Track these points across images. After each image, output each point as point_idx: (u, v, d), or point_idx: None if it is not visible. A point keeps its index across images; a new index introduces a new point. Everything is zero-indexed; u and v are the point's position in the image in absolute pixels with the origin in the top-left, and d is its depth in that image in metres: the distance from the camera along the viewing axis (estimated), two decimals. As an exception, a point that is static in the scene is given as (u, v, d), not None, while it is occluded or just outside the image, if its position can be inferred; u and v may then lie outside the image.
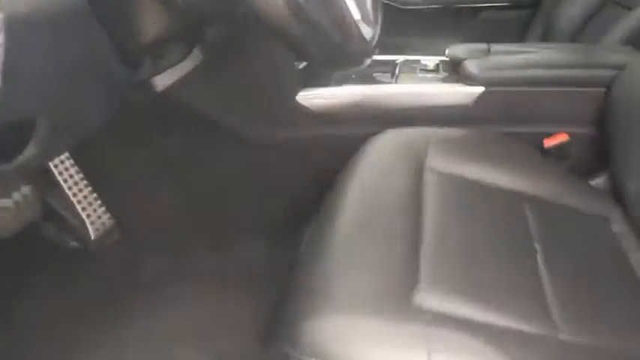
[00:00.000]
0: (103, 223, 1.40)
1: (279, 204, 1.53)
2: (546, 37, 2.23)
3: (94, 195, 1.41)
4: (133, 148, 1.47)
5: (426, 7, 2.40)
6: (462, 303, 0.86)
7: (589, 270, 1.05)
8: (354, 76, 1.48)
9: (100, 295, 1.37)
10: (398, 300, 0.85)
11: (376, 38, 1.09)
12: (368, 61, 1.12)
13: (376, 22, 1.11)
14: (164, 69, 1.13)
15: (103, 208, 1.41)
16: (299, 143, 1.48)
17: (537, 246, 1.05)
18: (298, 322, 0.82)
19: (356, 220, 1.01)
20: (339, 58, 1.05)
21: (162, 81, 1.14)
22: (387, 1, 2.39)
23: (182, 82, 1.18)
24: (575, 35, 1.98)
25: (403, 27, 2.42)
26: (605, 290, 1.01)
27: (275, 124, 1.47)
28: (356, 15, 1.04)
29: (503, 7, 2.40)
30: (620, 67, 1.31)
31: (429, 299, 0.86)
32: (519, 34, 2.43)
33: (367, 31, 1.03)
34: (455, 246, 0.99)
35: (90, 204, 1.40)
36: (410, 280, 0.88)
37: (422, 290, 0.87)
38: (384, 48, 1.92)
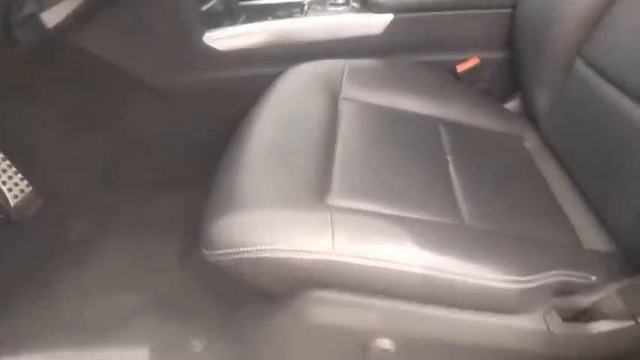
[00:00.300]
0: (22, 191, 1.35)
1: (195, 151, 1.47)
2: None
3: (7, 162, 1.35)
4: (41, 106, 1.39)
5: None
6: (374, 203, 0.85)
7: (499, 176, 1.07)
8: (270, 17, 1.44)
9: (29, 258, 1.32)
10: (310, 199, 0.83)
11: None
12: None
13: None
14: (51, 4, 1.06)
15: (20, 176, 1.36)
16: (210, 87, 1.43)
17: (449, 157, 1.06)
18: (210, 224, 0.80)
19: (270, 140, 0.99)
20: None
21: (52, 18, 1.07)
22: None
23: (76, 21, 1.13)
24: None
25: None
26: (513, 191, 1.03)
27: (183, 68, 1.41)
28: None
29: None
30: None
31: (340, 201, 0.84)
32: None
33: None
34: (368, 161, 0.99)
35: (4, 171, 1.34)
36: (322, 187, 0.87)
37: (334, 195, 0.86)
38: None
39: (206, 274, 1.12)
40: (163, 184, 1.50)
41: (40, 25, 1.05)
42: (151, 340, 1.12)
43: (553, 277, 0.76)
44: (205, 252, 0.79)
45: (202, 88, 1.44)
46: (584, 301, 0.77)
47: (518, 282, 0.75)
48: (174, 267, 1.27)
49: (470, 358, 0.84)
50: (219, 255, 0.77)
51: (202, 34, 1.37)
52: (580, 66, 1.10)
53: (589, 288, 0.78)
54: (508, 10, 1.34)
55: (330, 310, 0.79)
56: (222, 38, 1.38)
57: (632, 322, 0.75)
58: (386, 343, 0.81)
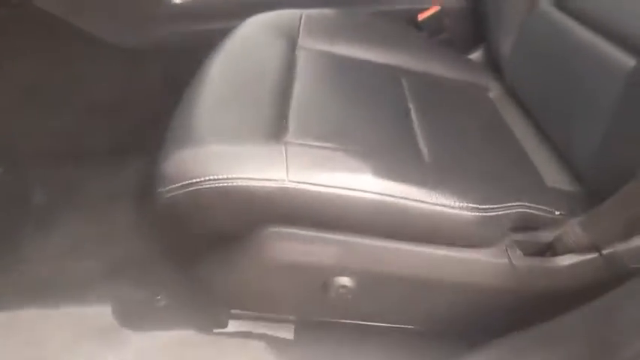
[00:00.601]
0: None
1: (158, 112, 1.42)
2: None
3: None
4: None
5: None
6: (331, 141, 0.81)
7: (462, 123, 1.04)
8: None
9: None
10: (265, 136, 0.80)
11: None
12: None
13: None
14: None
15: None
16: (169, 43, 1.39)
17: (411, 105, 1.02)
18: (164, 161, 0.77)
19: (227, 83, 0.96)
20: None
21: None
22: None
23: None
24: None
25: None
26: (477, 137, 1.00)
27: (141, 24, 1.37)
28: None
29: None
30: None
31: (296, 138, 0.80)
32: None
33: None
34: (326, 104, 0.95)
35: None
36: (278, 126, 0.83)
37: (290, 134, 0.81)
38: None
39: (160, 229, 1.13)
40: (126, 148, 1.45)
41: None
42: (115, 299, 1.10)
43: (515, 208, 0.75)
44: (160, 190, 0.75)
45: (163, 43, 1.39)
46: (547, 235, 0.76)
47: (477, 210, 0.72)
48: (133, 231, 1.25)
49: (431, 293, 0.83)
50: (175, 189, 0.73)
51: None
52: (545, 5, 1.08)
53: (551, 222, 0.77)
54: None
55: (288, 247, 0.77)
56: None
57: (595, 254, 0.74)
58: (345, 281, 0.78)
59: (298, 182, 0.71)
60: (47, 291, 1.14)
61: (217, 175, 0.71)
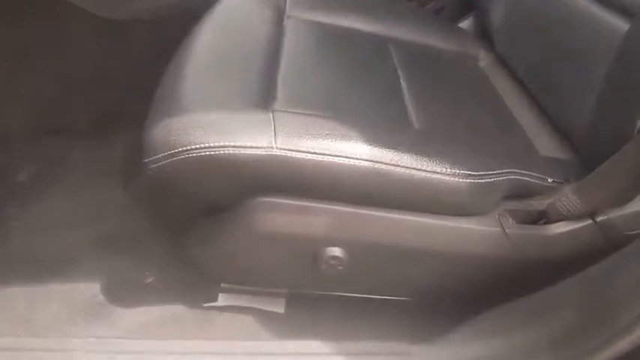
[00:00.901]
0: None
1: (146, 83, 1.42)
2: None
3: None
4: None
5: None
6: (320, 109, 0.80)
7: (453, 91, 1.04)
8: None
9: None
10: (253, 104, 0.79)
11: None
12: None
13: None
14: None
15: None
16: (157, 12, 1.34)
17: (400, 73, 1.01)
18: (150, 131, 0.75)
19: (214, 51, 0.95)
20: None
21: None
22: None
23: None
24: None
25: None
26: (468, 104, 1.00)
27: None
28: None
29: None
30: None
31: (284, 107, 0.79)
32: None
33: None
34: (315, 73, 0.96)
35: None
36: (266, 94, 0.82)
37: (278, 104, 0.80)
38: None
39: (146, 203, 1.10)
40: (112, 122, 1.43)
41: None
42: (100, 275, 1.08)
43: (507, 175, 0.74)
44: (146, 161, 0.73)
45: (148, 13, 1.35)
46: (540, 203, 0.76)
47: (469, 176, 0.71)
48: (123, 207, 1.22)
49: (422, 263, 0.82)
50: (161, 159, 0.71)
51: None
52: None
53: (545, 190, 0.77)
54: None
55: (278, 217, 0.76)
56: None
57: (589, 221, 0.74)
58: (336, 251, 0.77)
59: (286, 149, 0.69)
60: (35, 266, 1.13)
61: (204, 144, 0.69)
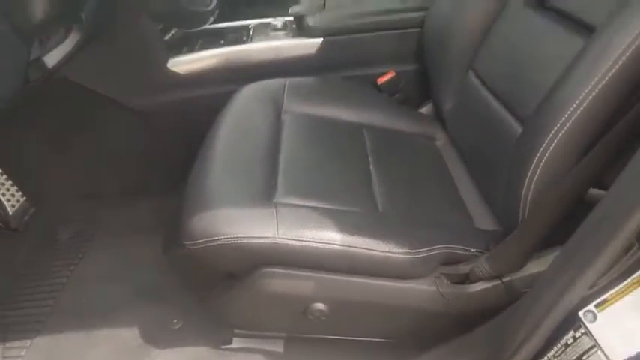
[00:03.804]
0: (18, 201, 1.46)
1: (163, 161, 1.58)
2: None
3: (5, 176, 1.46)
4: (33, 128, 1.49)
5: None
6: (309, 198, 1.00)
7: (412, 171, 1.20)
8: (222, 41, 1.54)
9: (27, 259, 1.45)
10: (259, 198, 0.98)
11: (215, 3, 1.17)
12: (211, 19, 1.20)
13: None
14: (50, 49, 1.19)
15: (15, 187, 1.47)
16: (174, 105, 1.52)
17: (370, 158, 1.19)
18: (188, 220, 0.94)
19: (229, 151, 1.12)
20: (187, 19, 1.13)
21: (52, 59, 1.20)
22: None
23: (67, 59, 1.24)
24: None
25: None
26: (423, 184, 1.16)
27: (151, 91, 1.50)
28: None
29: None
30: (426, 9, 1.43)
31: (283, 199, 1.00)
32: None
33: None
34: (304, 165, 1.12)
35: (2, 184, 1.45)
36: (269, 188, 1.02)
37: (278, 194, 1.01)
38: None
39: (179, 265, 1.31)
40: (137, 190, 1.60)
41: (44, 65, 1.18)
42: (138, 321, 1.24)
43: (439, 250, 0.91)
44: (186, 243, 0.93)
45: (168, 106, 1.53)
46: (465, 268, 0.92)
47: (411, 254, 0.89)
48: (151, 262, 1.38)
49: (384, 314, 0.99)
50: (196, 244, 0.91)
51: (166, 61, 1.47)
52: (471, 77, 1.23)
53: (470, 257, 0.93)
54: (417, 30, 1.46)
55: (277, 282, 0.94)
56: (183, 63, 1.48)
57: (498, 281, 0.90)
58: (320, 306, 0.96)
59: (285, 238, 0.89)
60: (83, 315, 1.27)
61: (226, 235, 0.89)
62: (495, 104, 1.10)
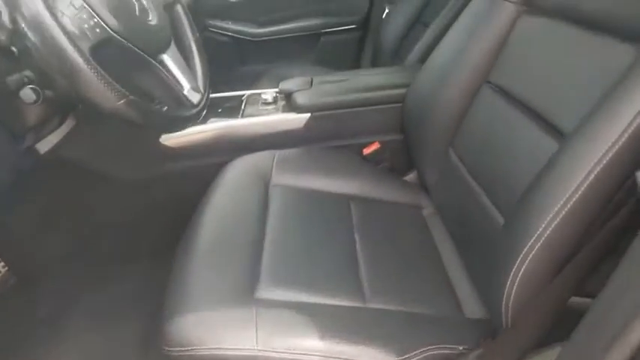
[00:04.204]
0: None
1: (153, 230, 1.59)
2: (376, 53, 2.44)
3: None
4: (21, 202, 1.46)
5: (273, 37, 2.55)
6: (293, 291, 1.01)
7: (399, 252, 1.20)
8: (213, 113, 1.57)
9: (5, 332, 1.42)
10: (241, 295, 0.98)
11: (204, 102, 1.20)
12: (202, 116, 1.23)
13: (205, 89, 1.23)
14: (44, 136, 1.20)
15: None
16: (166, 177, 1.55)
17: (357, 236, 1.20)
18: (163, 325, 0.94)
19: (210, 241, 1.12)
20: (173, 122, 1.18)
21: (44, 146, 1.21)
22: (239, 35, 2.54)
23: (61, 144, 1.25)
24: (395, 52, 2.17)
25: (259, 55, 2.57)
26: (410, 267, 1.16)
27: (144, 165, 1.53)
28: (186, 86, 1.17)
29: (338, 31, 2.58)
30: (407, 85, 1.47)
31: (266, 292, 1.00)
32: (355, 52, 2.63)
33: (196, 97, 1.16)
34: (290, 249, 1.13)
35: None
36: (252, 280, 1.02)
37: (261, 287, 1.01)
38: (243, 77, 2.04)
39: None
40: (125, 260, 1.60)
41: (36, 153, 1.19)
42: None
43: (428, 351, 0.91)
44: (164, 347, 0.93)
45: (160, 178, 1.55)
46: None
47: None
48: (134, 342, 1.38)
49: None
50: (174, 351, 0.91)
51: (159, 136, 1.49)
52: (452, 155, 1.25)
53: (458, 356, 0.93)
54: (400, 104, 1.50)
55: None
56: (176, 137, 1.50)
57: None
58: None
59: (265, 350, 0.89)
60: None
61: (203, 346, 0.89)
62: (476, 188, 1.11)
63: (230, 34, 2.54)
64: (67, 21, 0.91)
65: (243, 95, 1.69)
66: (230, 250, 1.09)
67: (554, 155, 0.88)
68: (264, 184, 1.33)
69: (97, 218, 1.59)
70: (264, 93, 1.62)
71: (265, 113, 1.55)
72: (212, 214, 1.20)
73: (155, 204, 1.58)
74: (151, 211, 1.59)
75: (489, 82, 1.19)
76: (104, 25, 0.96)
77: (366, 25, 2.57)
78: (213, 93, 1.57)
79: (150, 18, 1.12)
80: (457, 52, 1.28)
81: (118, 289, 1.55)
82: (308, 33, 2.55)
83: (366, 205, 1.34)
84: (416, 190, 1.46)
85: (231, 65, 2.58)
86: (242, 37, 2.54)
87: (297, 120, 1.52)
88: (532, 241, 0.84)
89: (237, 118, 1.55)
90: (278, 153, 1.45)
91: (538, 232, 0.83)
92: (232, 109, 1.60)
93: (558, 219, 0.82)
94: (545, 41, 1.05)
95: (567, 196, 0.81)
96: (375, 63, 2.47)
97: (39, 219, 1.53)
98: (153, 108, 1.04)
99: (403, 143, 1.54)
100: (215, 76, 1.53)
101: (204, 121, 1.52)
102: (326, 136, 1.55)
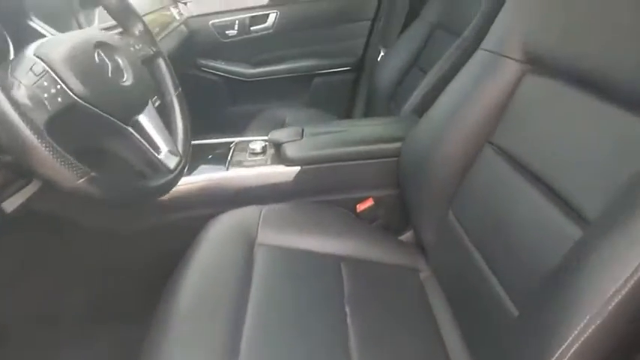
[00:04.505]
0: None
1: (133, 291, 1.49)
2: (370, 97, 2.37)
3: None
4: None
5: (266, 77, 2.49)
6: None
7: (391, 323, 1.11)
8: (210, 156, 1.51)
9: None
10: None
11: (183, 164, 1.12)
12: (177, 183, 1.14)
13: (184, 152, 1.15)
14: (10, 195, 1.09)
15: None
16: (147, 231, 1.46)
17: (348, 308, 1.10)
18: None
19: (190, 303, 1.04)
20: (144, 195, 1.05)
21: (10, 205, 1.11)
22: (231, 75, 2.48)
23: (28, 202, 1.15)
24: (391, 97, 2.10)
25: (251, 96, 2.51)
26: (404, 341, 1.07)
27: (123, 218, 1.45)
28: (163, 149, 1.08)
29: (332, 72, 2.53)
30: (402, 139, 1.41)
31: None
32: (349, 94, 2.58)
33: (173, 162, 1.07)
34: (273, 324, 1.03)
35: None
36: (231, 355, 0.93)
37: None
38: (234, 117, 1.96)
39: None
40: (98, 320, 1.51)
41: (1, 212, 1.07)
42: None
43: None
44: None
45: (140, 232, 1.46)
46: None
47: None
48: None
49: None
50: None
51: None
52: (452, 218, 1.17)
53: None
54: (395, 159, 1.43)
55: None
56: None
57: None
58: None
59: None
60: None
61: None
62: (479, 261, 1.02)
63: (222, 73, 2.49)
64: (22, 92, 0.81)
65: (231, 143, 1.62)
66: (209, 320, 1.00)
67: (581, 246, 0.76)
68: (249, 244, 1.24)
69: (69, 274, 1.49)
70: (252, 142, 1.55)
71: (253, 164, 1.48)
72: (193, 277, 1.12)
73: (135, 259, 1.49)
74: (129, 266, 1.50)
75: (491, 143, 1.11)
76: (67, 90, 0.87)
77: (361, 67, 2.53)
78: (202, 135, 1.50)
79: (124, 79, 1.02)
80: (457, 106, 1.20)
81: (90, 354, 1.45)
82: (301, 74, 2.51)
83: (359, 267, 1.25)
84: (412, 251, 1.37)
85: (223, 105, 2.52)
86: (234, 77, 2.49)
87: (286, 173, 1.45)
88: (563, 348, 0.70)
89: (224, 168, 1.47)
90: (265, 208, 1.36)
91: (570, 339, 0.70)
92: (220, 156, 1.53)
93: (598, 322, 0.68)
94: (553, 104, 0.97)
95: (610, 295, 0.67)
96: (369, 106, 2.41)
97: (6, 277, 1.41)
98: (120, 182, 0.94)
99: (399, 199, 1.47)
100: (205, 116, 1.47)
101: (189, 171, 1.44)
102: (316, 191, 1.47)
